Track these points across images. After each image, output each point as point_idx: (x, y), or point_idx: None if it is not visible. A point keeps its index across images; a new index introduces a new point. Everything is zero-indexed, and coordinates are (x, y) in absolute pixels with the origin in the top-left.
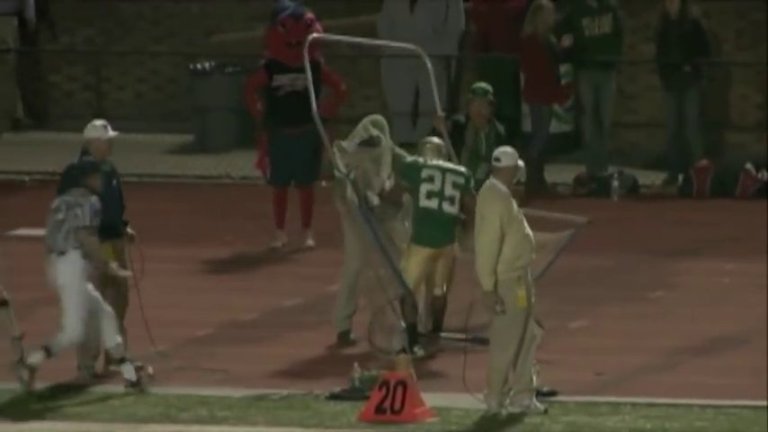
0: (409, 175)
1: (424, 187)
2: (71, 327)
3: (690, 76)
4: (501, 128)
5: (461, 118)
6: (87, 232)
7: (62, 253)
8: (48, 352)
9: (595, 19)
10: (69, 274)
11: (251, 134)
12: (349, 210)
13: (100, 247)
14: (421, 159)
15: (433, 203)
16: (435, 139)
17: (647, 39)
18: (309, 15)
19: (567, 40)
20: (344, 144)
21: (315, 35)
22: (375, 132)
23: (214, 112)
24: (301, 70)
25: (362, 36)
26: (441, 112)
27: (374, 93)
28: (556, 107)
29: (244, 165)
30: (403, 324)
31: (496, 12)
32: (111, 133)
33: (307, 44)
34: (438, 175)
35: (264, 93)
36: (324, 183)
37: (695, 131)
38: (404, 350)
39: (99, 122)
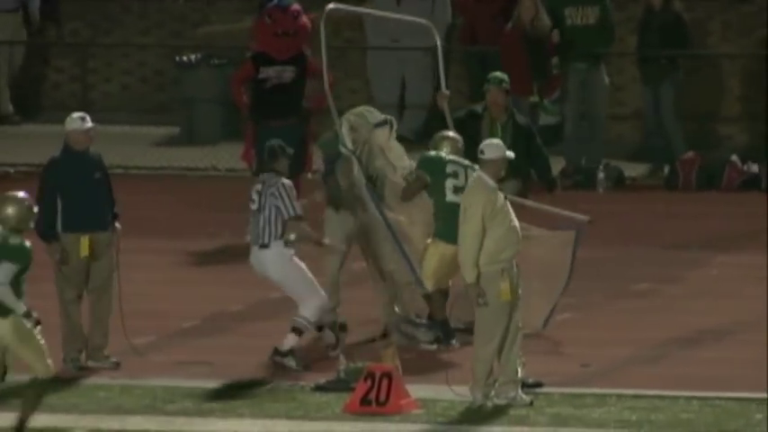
0: (432, 170)
1: (450, 182)
2: (311, 303)
3: (666, 67)
4: (523, 119)
5: (478, 108)
6: (294, 221)
7: (265, 246)
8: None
9: (579, 9)
10: (279, 267)
11: (237, 126)
12: (352, 188)
13: (311, 231)
14: (443, 154)
15: (460, 199)
16: (452, 134)
17: (632, 31)
18: (296, 7)
19: (555, 36)
20: (356, 119)
21: (332, 5)
22: (389, 117)
23: (200, 104)
24: (287, 62)
25: (349, 27)
26: (446, 90)
27: (360, 85)
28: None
29: (230, 157)
30: (416, 319)
31: (483, 4)
32: (89, 124)
33: (324, 16)
34: (461, 171)
35: (251, 85)
36: (309, 175)
37: (672, 123)
38: (438, 341)
39: (77, 114)
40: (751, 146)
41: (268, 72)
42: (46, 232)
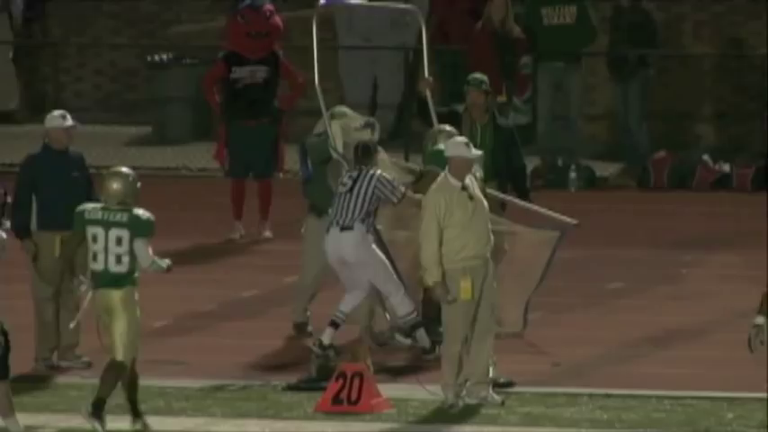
0: (443, 164)
1: None
2: (395, 293)
3: (635, 67)
4: (504, 121)
5: (459, 109)
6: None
7: (348, 228)
8: (405, 333)
9: (556, 9)
10: (359, 250)
11: (209, 126)
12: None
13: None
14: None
15: None
16: (448, 127)
17: (604, 30)
18: (269, 6)
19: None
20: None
21: (323, 1)
22: (371, 119)
23: (172, 103)
24: (260, 62)
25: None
26: (428, 76)
27: (332, 85)
28: (514, 99)
29: (202, 156)
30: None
31: (454, 3)
32: (69, 122)
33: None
34: None
35: (223, 85)
36: (281, 174)
37: (639, 122)
38: (433, 348)
39: (58, 112)
40: (723, 146)
41: (240, 72)
42: (20, 230)
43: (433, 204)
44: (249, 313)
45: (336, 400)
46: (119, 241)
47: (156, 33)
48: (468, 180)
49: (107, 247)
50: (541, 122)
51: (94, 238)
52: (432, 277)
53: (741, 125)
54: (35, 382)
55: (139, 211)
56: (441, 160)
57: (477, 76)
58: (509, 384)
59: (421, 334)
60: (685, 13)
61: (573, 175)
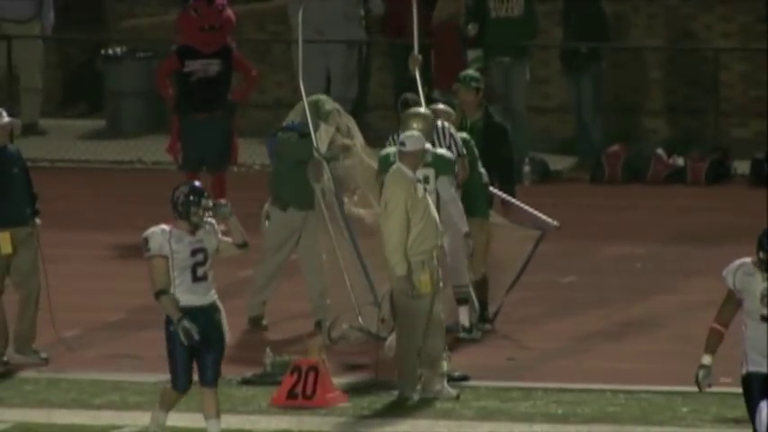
0: (468, 150)
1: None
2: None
3: (586, 60)
4: (500, 119)
5: (454, 101)
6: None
7: None
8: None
9: (503, 1)
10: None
11: (163, 119)
12: (323, 193)
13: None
14: (466, 136)
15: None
16: (422, 110)
17: (557, 23)
18: (221, 0)
19: (472, 30)
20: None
21: None
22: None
23: (126, 97)
24: (213, 56)
25: (274, 21)
26: (417, 54)
27: (286, 78)
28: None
29: (156, 150)
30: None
31: None
32: (6, 119)
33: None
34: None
35: (176, 78)
36: (235, 168)
37: (592, 115)
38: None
39: None
40: (676, 139)
41: (193, 65)
42: None
43: (402, 197)
44: None
45: (291, 394)
46: None
47: (109, 27)
48: (420, 173)
49: None
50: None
51: None
52: (400, 271)
53: (694, 118)
54: None
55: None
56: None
57: (469, 73)
58: (464, 378)
59: (464, 310)
60: (638, 6)
61: (527, 168)
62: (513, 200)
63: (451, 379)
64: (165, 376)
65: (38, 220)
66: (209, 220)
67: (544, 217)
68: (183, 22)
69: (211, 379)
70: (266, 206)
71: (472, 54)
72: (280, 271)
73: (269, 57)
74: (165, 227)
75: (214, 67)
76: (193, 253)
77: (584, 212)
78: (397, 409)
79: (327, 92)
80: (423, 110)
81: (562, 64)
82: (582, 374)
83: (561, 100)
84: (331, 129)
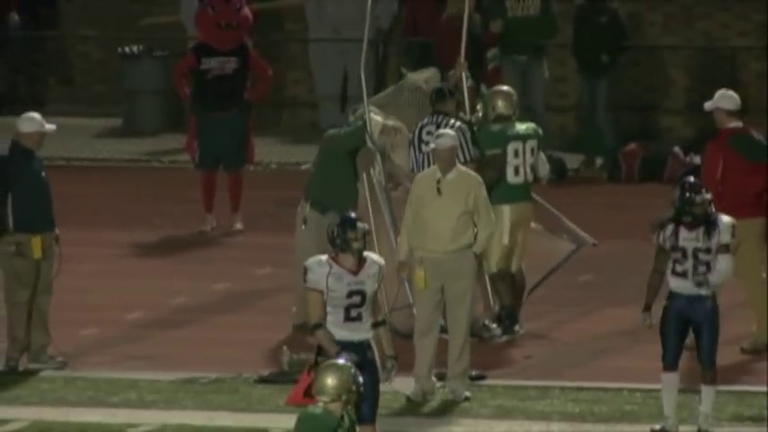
0: (495, 147)
1: (512, 162)
2: None
3: (604, 63)
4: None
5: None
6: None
7: None
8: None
9: (520, 1)
10: None
11: (180, 118)
12: (371, 187)
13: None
14: (501, 128)
15: (520, 180)
16: (505, 88)
17: (571, 23)
18: None
19: (495, 26)
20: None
21: None
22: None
23: (143, 95)
24: (230, 54)
25: (292, 20)
26: (463, 60)
27: (302, 76)
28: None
29: (172, 148)
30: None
31: None
32: (49, 127)
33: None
34: (520, 147)
35: (193, 76)
36: (252, 167)
37: (605, 116)
38: (508, 330)
39: (35, 115)
40: (693, 137)
41: (210, 63)
42: None
43: (411, 191)
44: (220, 306)
45: (308, 393)
46: None
47: (126, 25)
48: (452, 174)
49: None
50: None
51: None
52: (401, 255)
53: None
54: (6, 374)
55: None
56: (493, 143)
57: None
58: (481, 377)
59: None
60: (655, 5)
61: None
62: (554, 210)
63: (469, 378)
64: (182, 374)
65: (56, 230)
66: (378, 260)
67: (582, 233)
68: (200, 19)
69: (368, 416)
70: (301, 209)
71: (489, 53)
72: None
73: (285, 55)
74: (326, 259)
75: (230, 64)
76: (350, 294)
77: (601, 211)
78: (414, 408)
79: (345, 90)
80: (506, 87)
81: (578, 65)
82: (599, 373)
83: (578, 98)
84: (380, 119)
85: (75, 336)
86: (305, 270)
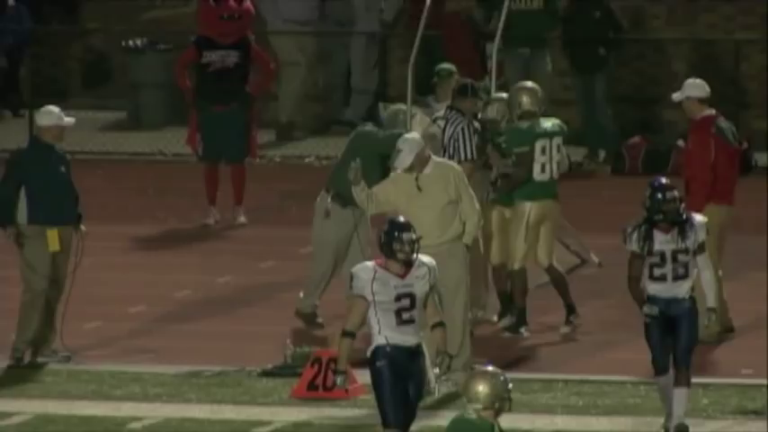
0: (521, 145)
1: (539, 159)
2: None
3: (600, 57)
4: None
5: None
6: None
7: None
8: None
9: None
10: None
11: (183, 111)
12: None
13: None
14: (529, 125)
15: (545, 178)
16: (530, 83)
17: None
18: None
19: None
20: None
21: None
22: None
23: (147, 89)
24: (231, 47)
25: None
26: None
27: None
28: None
29: (176, 142)
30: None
31: None
32: (68, 120)
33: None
34: (547, 144)
35: (195, 69)
36: (257, 160)
37: (604, 111)
38: (509, 329)
39: (53, 109)
40: None
41: (211, 56)
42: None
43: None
44: (224, 299)
45: (312, 385)
46: None
47: (130, 19)
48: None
49: None
50: None
51: None
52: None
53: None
54: (10, 367)
55: None
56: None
57: (447, 66)
58: None
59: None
60: None
61: None
62: (569, 225)
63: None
64: (186, 368)
65: (83, 227)
66: (428, 261)
67: (590, 253)
68: (202, 12)
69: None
70: (320, 200)
71: (491, 47)
72: (335, 269)
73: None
74: (373, 265)
75: (232, 58)
76: (398, 298)
77: (605, 204)
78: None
79: (348, 83)
80: (531, 83)
81: (571, 61)
82: (603, 366)
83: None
84: (426, 118)
85: (79, 329)
86: (351, 276)
